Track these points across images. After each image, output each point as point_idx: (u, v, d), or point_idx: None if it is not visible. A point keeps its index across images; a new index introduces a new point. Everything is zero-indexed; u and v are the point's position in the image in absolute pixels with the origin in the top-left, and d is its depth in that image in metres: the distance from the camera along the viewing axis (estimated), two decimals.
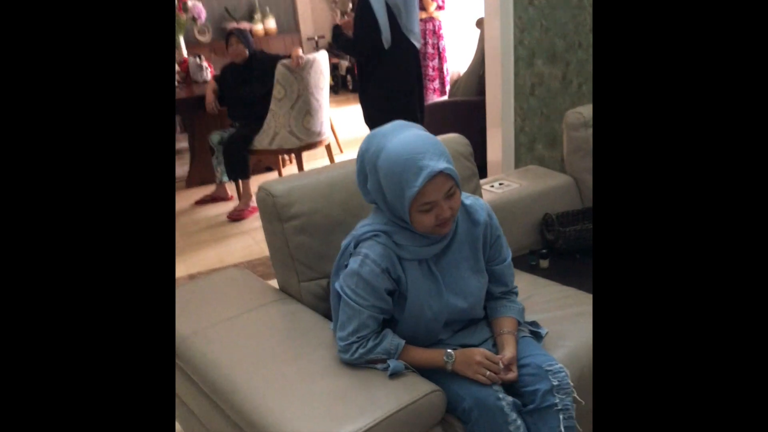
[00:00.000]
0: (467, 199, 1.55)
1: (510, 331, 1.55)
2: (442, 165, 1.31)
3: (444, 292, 1.47)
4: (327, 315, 1.68)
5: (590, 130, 2.30)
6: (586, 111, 2.31)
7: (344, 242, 1.49)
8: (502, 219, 2.16)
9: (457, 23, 5.14)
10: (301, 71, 3.80)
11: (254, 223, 3.91)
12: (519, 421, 1.40)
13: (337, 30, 3.26)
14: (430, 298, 1.46)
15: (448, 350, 1.46)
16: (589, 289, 1.94)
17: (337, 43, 3.26)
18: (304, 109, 3.93)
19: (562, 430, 1.41)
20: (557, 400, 1.42)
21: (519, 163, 3.49)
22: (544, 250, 2.15)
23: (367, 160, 1.40)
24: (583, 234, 2.18)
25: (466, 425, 1.43)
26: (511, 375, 1.44)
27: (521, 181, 2.42)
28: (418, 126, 1.42)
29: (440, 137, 2.06)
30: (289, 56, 3.78)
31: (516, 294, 1.66)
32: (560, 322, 1.76)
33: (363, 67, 3.26)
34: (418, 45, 3.15)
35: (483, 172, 3.67)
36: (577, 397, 1.47)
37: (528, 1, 3.14)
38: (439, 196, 1.34)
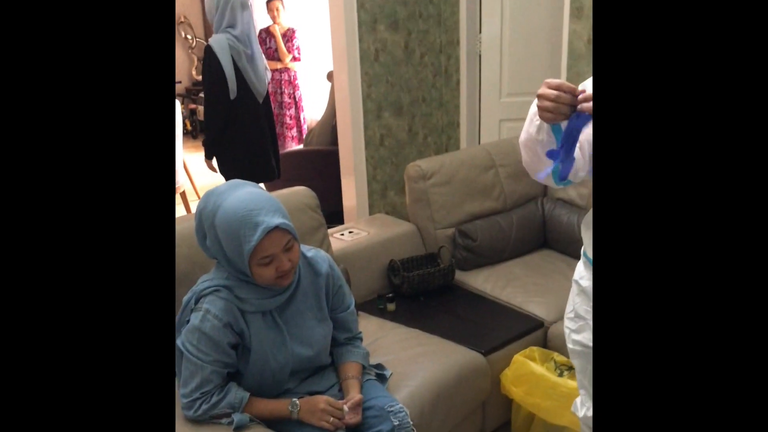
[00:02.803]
0: (309, 251, 1.62)
1: (354, 376, 1.62)
2: (277, 220, 1.38)
3: (288, 342, 1.52)
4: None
5: (429, 182, 2.48)
6: (425, 164, 2.49)
7: (185, 298, 1.49)
8: (351, 265, 2.27)
9: (312, 74, 5.30)
10: None
11: None
12: None
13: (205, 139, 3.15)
14: (274, 348, 1.50)
15: (293, 399, 1.49)
16: (431, 329, 2.07)
17: (207, 137, 3.13)
18: None
19: None
20: None
21: (373, 209, 3.64)
22: (390, 294, 2.26)
23: (204, 218, 1.43)
24: (426, 277, 2.33)
25: None
26: (355, 419, 1.50)
27: (369, 228, 2.54)
28: (253, 184, 1.48)
29: (287, 191, 2.13)
30: None
31: (360, 339, 1.74)
32: (404, 363, 1.86)
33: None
34: (259, 99, 3.09)
35: (340, 218, 3.79)
36: None
37: (374, 57, 3.35)
38: (277, 250, 1.39)
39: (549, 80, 1.10)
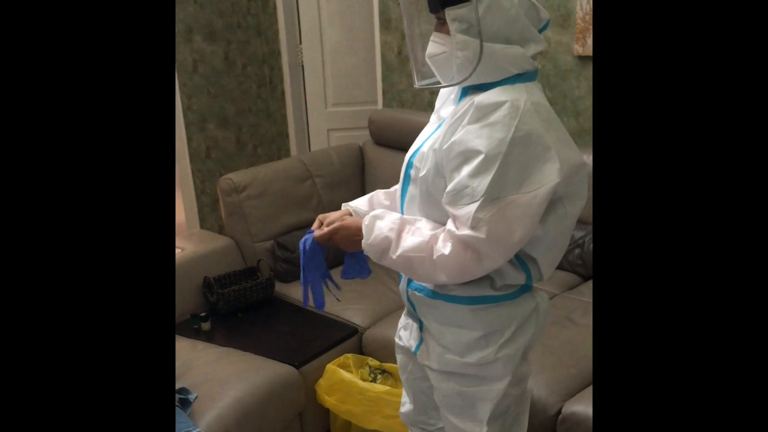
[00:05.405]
0: None
1: None
2: None
3: None
4: None
5: (242, 195, 2.44)
6: (237, 177, 2.45)
7: None
8: None
9: None
10: None
11: None
12: None
13: None
14: None
15: None
16: (246, 346, 2.04)
17: None
18: None
19: None
20: None
21: (204, 223, 3.53)
22: (203, 313, 2.19)
23: None
24: (243, 293, 2.29)
25: None
26: None
27: (185, 245, 2.45)
28: None
29: None
30: None
31: None
32: (213, 384, 1.81)
33: None
34: None
35: None
36: None
37: (192, 68, 3.25)
38: None
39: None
